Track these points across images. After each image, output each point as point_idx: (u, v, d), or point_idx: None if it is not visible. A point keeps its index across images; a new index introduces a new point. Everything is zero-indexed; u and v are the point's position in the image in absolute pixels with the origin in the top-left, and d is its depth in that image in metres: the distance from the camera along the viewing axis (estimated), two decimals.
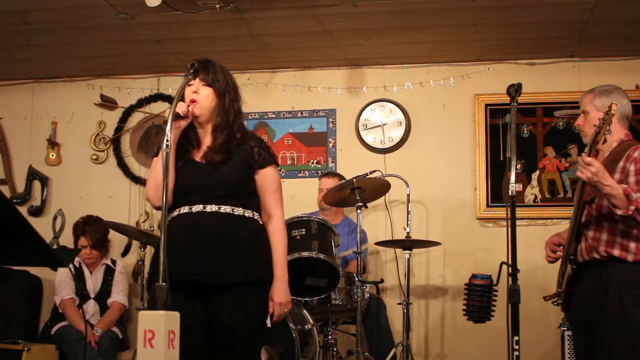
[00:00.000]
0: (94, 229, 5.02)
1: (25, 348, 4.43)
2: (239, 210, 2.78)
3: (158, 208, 2.81)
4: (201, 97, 2.81)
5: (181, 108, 2.77)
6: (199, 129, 2.88)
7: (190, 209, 2.76)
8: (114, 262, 5.15)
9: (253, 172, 2.84)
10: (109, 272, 5.07)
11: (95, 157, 5.95)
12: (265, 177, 2.86)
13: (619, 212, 2.94)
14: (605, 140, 3.01)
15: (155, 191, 2.78)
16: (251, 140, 2.88)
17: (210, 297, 2.71)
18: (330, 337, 4.44)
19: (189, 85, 2.84)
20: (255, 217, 2.84)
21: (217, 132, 2.83)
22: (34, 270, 5.46)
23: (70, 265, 4.90)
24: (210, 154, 2.80)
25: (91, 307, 4.94)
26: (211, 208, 2.75)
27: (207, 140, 2.86)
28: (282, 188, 2.95)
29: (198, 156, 2.84)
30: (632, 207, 2.91)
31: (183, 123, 2.79)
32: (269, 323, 2.87)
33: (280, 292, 2.81)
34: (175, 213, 2.79)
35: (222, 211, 2.75)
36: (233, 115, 2.85)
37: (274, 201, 2.88)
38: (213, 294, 2.71)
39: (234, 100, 2.87)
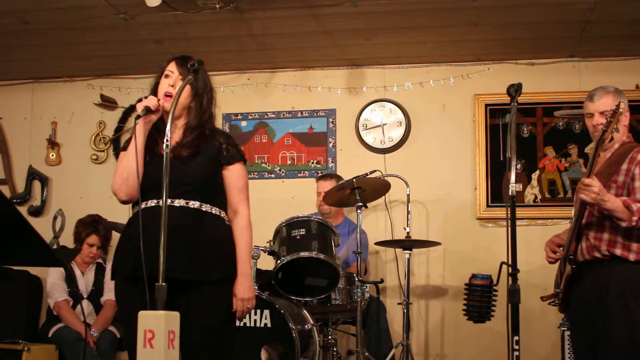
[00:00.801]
0: (103, 229, 5.03)
1: (25, 348, 4.43)
2: (206, 207, 2.78)
3: (124, 202, 2.82)
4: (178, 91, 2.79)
5: (153, 102, 2.76)
6: (168, 123, 2.86)
7: (158, 202, 2.72)
8: (104, 260, 5.15)
9: (221, 168, 2.84)
10: (100, 271, 5.06)
11: (95, 157, 5.95)
12: (233, 173, 2.86)
13: (623, 224, 2.99)
14: (612, 139, 3.04)
15: (122, 184, 2.78)
16: (220, 137, 2.87)
17: (173, 294, 2.59)
18: (330, 337, 4.44)
19: (166, 77, 2.83)
20: (222, 215, 2.83)
21: (188, 130, 2.82)
22: (34, 270, 5.45)
23: (61, 268, 4.89)
24: (179, 148, 2.78)
25: (85, 307, 4.93)
26: (179, 202, 2.73)
27: (176, 136, 2.83)
28: (248, 185, 2.93)
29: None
30: (635, 218, 2.97)
31: (154, 117, 2.79)
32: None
33: (243, 288, 2.79)
34: (142, 206, 2.74)
35: (191, 206, 2.74)
36: (207, 117, 2.85)
37: (240, 198, 2.87)
38: (178, 291, 2.65)
39: (210, 102, 2.87)
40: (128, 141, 2.88)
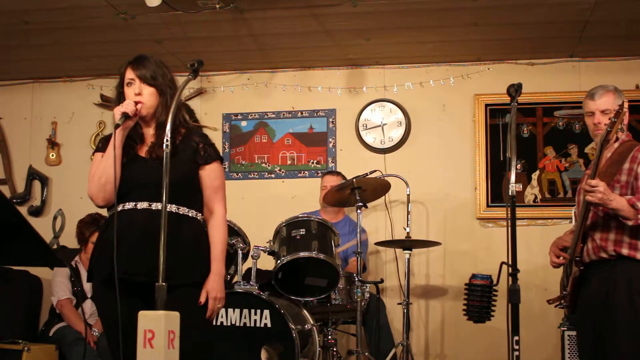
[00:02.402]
0: (94, 229, 5.01)
1: (25, 348, 4.42)
2: (183, 210, 2.76)
3: (102, 207, 2.80)
4: (145, 97, 2.78)
5: (130, 108, 2.74)
6: (142, 125, 2.86)
7: (135, 205, 2.73)
8: None
9: (198, 168, 2.83)
10: None
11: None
12: (209, 173, 2.84)
13: (629, 222, 2.99)
14: (617, 139, 3.03)
15: (99, 191, 2.75)
16: (195, 136, 2.86)
17: (152, 298, 2.55)
18: (330, 337, 4.44)
19: (128, 85, 2.81)
20: (198, 217, 2.82)
21: (161, 129, 2.78)
22: (34, 270, 5.45)
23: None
24: (156, 149, 2.76)
25: (88, 307, 4.91)
26: (157, 206, 2.69)
27: (150, 137, 2.84)
28: (225, 185, 2.92)
29: (143, 151, 2.82)
30: None
31: (131, 123, 2.78)
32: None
33: (216, 286, 2.77)
34: (119, 208, 2.74)
35: (167, 210, 2.66)
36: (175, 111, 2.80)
37: (216, 197, 2.86)
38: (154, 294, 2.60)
39: (174, 95, 2.80)
40: (103, 141, 2.88)
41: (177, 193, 2.71)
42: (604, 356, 3.08)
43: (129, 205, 2.74)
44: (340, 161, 5.69)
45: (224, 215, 2.88)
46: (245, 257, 4.29)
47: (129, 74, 2.82)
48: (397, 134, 5.60)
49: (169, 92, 2.81)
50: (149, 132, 2.85)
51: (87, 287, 4.98)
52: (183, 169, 2.77)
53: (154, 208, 2.71)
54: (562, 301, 3.38)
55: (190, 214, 2.79)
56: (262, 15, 4.71)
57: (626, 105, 2.99)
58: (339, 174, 5.22)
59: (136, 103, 2.77)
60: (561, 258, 3.31)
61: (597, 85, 3.27)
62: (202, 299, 2.75)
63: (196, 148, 2.82)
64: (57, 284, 4.94)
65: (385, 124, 5.61)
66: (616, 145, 3.17)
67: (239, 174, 5.77)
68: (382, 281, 4.87)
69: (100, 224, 4.94)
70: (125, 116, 2.73)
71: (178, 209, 2.75)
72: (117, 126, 2.72)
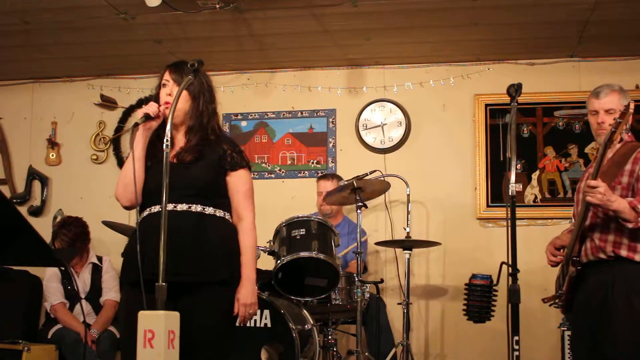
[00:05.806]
0: (64, 232, 4.96)
1: (25, 348, 4.42)
2: (209, 210, 2.79)
3: (127, 208, 2.84)
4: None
5: (152, 109, 2.78)
6: (172, 130, 2.85)
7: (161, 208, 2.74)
8: (100, 259, 5.12)
9: (224, 174, 2.86)
10: (97, 271, 5.04)
11: (95, 157, 5.95)
12: (236, 179, 2.87)
13: (630, 225, 2.96)
14: (621, 140, 3.02)
15: (124, 191, 2.80)
16: (224, 143, 2.89)
17: (179, 297, 2.64)
18: (330, 337, 4.44)
19: (163, 86, 2.86)
20: (226, 217, 2.85)
21: (191, 134, 2.84)
22: (34, 270, 5.45)
23: (56, 269, 4.89)
24: (182, 154, 2.81)
25: (84, 307, 4.92)
26: (182, 207, 2.74)
27: (180, 142, 2.86)
28: (253, 192, 2.94)
29: (170, 156, 2.82)
30: None
31: (154, 124, 2.81)
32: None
33: (246, 293, 2.80)
34: (146, 212, 2.78)
35: (193, 210, 2.75)
36: (207, 118, 2.86)
37: (244, 203, 2.88)
38: (182, 293, 2.67)
39: (209, 102, 2.88)
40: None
41: (202, 194, 2.77)
42: (599, 356, 3.08)
43: (155, 209, 2.77)
44: (340, 161, 5.69)
45: (253, 221, 2.90)
46: None
47: (166, 76, 2.88)
48: (397, 134, 5.60)
49: (202, 98, 2.85)
50: (178, 136, 2.87)
51: (80, 287, 4.98)
52: (207, 173, 2.80)
53: (178, 209, 2.74)
54: (557, 300, 3.38)
55: (217, 214, 2.81)
56: (262, 15, 4.71)
57: (632, 105, 2.96)
58: (334, 177, 5.19)
59: (161, 105, 2.81)
60: (558, 257, 3.30)
61: (603, 84, 3.23)
62: (236, 310, 2.79)
63: (223, 154, 2.85)
64: (48, 289, 4.95)
65: (385, 124, 5.61)
66: (618, 146, 3.14)
67: None
68: (382, 281, 4.87)
69: (59, 233, 4.93)
70: (147, 116, 2.77)
71: (203, 209, 2.78)
72: (135, 124, 2.77)
